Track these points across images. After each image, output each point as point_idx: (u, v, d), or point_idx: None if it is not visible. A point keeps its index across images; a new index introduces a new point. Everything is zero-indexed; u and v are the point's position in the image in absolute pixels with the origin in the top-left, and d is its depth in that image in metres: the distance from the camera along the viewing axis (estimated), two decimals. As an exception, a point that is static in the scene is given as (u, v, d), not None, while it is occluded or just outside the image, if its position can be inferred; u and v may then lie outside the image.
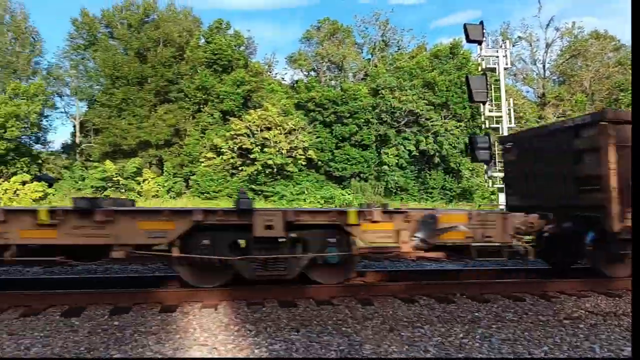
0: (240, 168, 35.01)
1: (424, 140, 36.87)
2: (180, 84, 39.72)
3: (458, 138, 37.26)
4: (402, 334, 4.78)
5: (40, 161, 36.18)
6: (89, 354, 4.10)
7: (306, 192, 33.55)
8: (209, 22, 44.20)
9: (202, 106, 38.95)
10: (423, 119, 37.21)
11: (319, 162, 37.14)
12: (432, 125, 37.02)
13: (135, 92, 39.11)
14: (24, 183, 29.93)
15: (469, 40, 22.07)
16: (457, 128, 37.53)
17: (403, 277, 7.33)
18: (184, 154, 37.79)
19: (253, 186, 34.47)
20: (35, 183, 30.43)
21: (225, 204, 30.00)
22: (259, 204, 32.15)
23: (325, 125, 38.01)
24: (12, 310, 5.33)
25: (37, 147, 38.66)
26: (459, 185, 37.41)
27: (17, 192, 29.09)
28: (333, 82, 44.48)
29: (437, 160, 37.50)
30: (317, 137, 36.97)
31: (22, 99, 33.71)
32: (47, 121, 41.37)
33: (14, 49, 43.68)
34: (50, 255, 5.86)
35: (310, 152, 35.56)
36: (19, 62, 43.31)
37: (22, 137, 34.31)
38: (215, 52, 38.63)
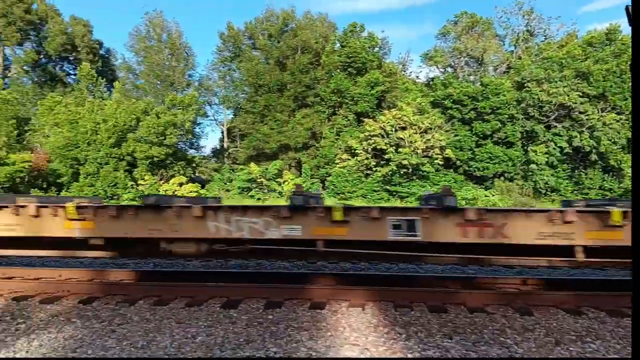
0: (374, 169, 35.00)
1: (578, 136, 33.48)
2: (317, 89, 40.96)
3: (619, 132, 33.17)
4: (571, 348, 4.21)
5: (194, 164, 39.73)
6: (247, 345, 4.19)
7: (445, 192, 32.41)
8: (344, 26, 45.04)
9: (337, 109, 39.74)
10: (576, 113, 33.79)
11: (458, 162, 35.67)
12: (587, 119, 33.44)
13: (275, 98, 41.21)
14: (180, 184, 33.06)
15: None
16: (618, 122, 33.42)
17: (563, 285, 6.51)
18: (320, 155, 38.85)
19: (387, 187, 34.22)
20: (190, 184, 33.45)
21: (360, 204, 30.13)
22: (395, 204, 31.82)
23: (464, 123, 36.41)
24: (178, 300, 5.69)
25: (192, 151, 42.67)
26: (621, 185, 33.27)
27: (175, 192, 32.27)
28: (472, 78, 42.58)
29: (594, 157, 33.76)
30: (455, 136, 35.57)
31: (178, 109, 37.30)
32: (199, 128, 45.58)
33: (170, 64, 48.72)
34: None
35: (448, 151, 34.33)
36: (175, 76, 48.19)
37: (179, 143, 37.90)
38: (350, 55, 39.15)
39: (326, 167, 38.07)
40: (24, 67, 49.23)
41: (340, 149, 37.50)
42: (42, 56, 50.21)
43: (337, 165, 36.66)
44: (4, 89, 37.25)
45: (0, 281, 6.44)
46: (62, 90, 45.92)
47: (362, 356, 4.06)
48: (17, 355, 3.95)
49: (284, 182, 36.02)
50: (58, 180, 32.91)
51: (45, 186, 32.66)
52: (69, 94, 41.79)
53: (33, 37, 49.63)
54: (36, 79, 50.49)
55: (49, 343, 4.24)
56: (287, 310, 5.26)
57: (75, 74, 47.29)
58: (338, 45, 41.90)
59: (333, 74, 40.14)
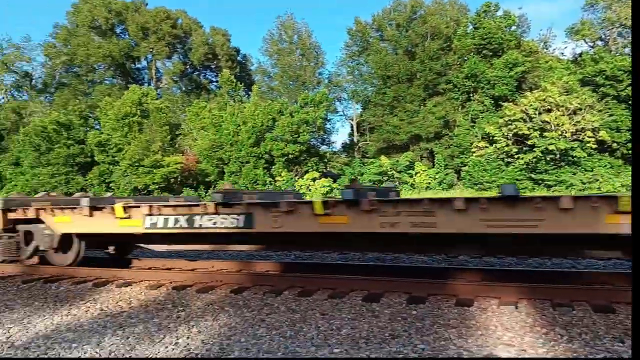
0: (516, 156, 32.79)
1: None
2: (449, 75, 39.64)
3: None
4: None
5: (325, 160, 40.84)
6: (393, 341, 4.06)
7: (601, 179, 29.13)
8: (477, 8, 42.96)
9: (471, 94, 38.07)
10: None
11: (614, 144, 31.91)
12: None
13: (405, 88, 40.66)
14: (314, 179, 34.18)
15: None
16: None
17: None
18: (454, 145, 37.54)
19: (532, 175, 31.82)
20: (322, 179, 34.42)
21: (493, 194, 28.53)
22: (541, 193, 29.46)
23: (619, 101, 32.42)
24: (321, 292, 5.75)
25: (323, 147, 43.81)
26: None
27: (309, 187, 33.43)
28: (627, 50, 37.84)
29: None
30: (610, 115, 31.82)
31: (310, 107, 38.53)
32: (329, 124, 46.48)
33: (301, 64, 50.57)
34: None
35: (602, 133, 30.86)
36: (306, 75, 49.91)
37: (311, 140, 39.12)
38: (484, 37, 37.19)
39: (461, 156, 36.59)
40: (173, 78, 54.85)
41: (476, 136, 35.77)
42: (187, 66, 55.48)
43: (474, 154, 35.03)
44: (157, 99, 41.70)
45: (162, 272, 7.10)
46: (206, 96, 50.18)
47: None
48: (180, 341, 4.25)
49: (416, 173, 35.39)
50: (206, 179, 35.98)
51: (195, 185, 35.94)
52: (212, 99, 45.48)
53: (179, 49, 55.03)
54: (183, 88, 55.98)
55: (206, 330, 4.51)
56: (432, 306, 5.03)
57: (216, 81, 51.44)
58: (471, 27, 39.99)
59: (466, 58, 38.42)
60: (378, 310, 4.95)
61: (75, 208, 6.82)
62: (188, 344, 4.17)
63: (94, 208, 6.63)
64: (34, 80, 53.87)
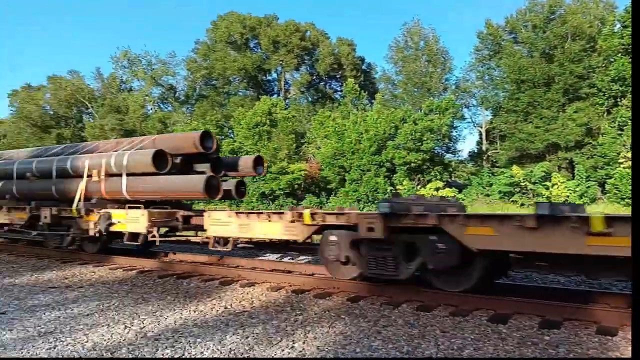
0: (673, 168, 28.76)
1: None
2: (592, 78, 36.19)
3: None
4: None
5: (450, 169, 39.35)
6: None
7: None
8: (625, 4, 38.73)
9: (619, 99, 34.32)
10: None
11: None
12: None
13: (541, 93, 37.95)
14: (437, 189, 33.09)
15: None
16: None
17: None
18: (598, 155, 34.05)
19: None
20: (447, 189, 33.19)
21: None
22: None
23: None
24: (441, 308, 5.47)
25: (448, 156, 42.23)
26: None
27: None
28: None
29: None
30: None
31: (435, 114, 37.49)
32: (456, 132, 44.69)
33: (427, 70, 49.50)
34: None
35: None
36: (432, 81, 48.73)
37: (435, 148, 37.96)
38: (635, 35, 33.32)
39: (606, 167, 32.99)
40: (300, 89, 56.99)
41: (624, 145, 32.03)
42: (314, 77, 57.28)
43: (621, 165, 31.41)
44: (285, 109, 43.54)
45: (283, 275, 7.28)
46: (331, 105, 51.27)
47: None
48: (296, 345, 4.28)
49: (553, 185, 32.65)
50: (328, 187, 36.69)
51: (317, 191, 36.82)
52: (336, 108, 46.33)
53: (307, 61, 57.04)
54: (310, 98, 57.90)
55: (322, 337, 4.50)
56: (568, 332, 4.52)
57: (341, 90, 52.33)
58: (618, 25, 36.05)
59: (613, 60, 34.73)
60: (505, 332, 4.58)
61: (507, 217, 5.07)
62: (304, 348, 4.18)
63: (552, 219, 4.81)
64: (177, 93, 59.61)
